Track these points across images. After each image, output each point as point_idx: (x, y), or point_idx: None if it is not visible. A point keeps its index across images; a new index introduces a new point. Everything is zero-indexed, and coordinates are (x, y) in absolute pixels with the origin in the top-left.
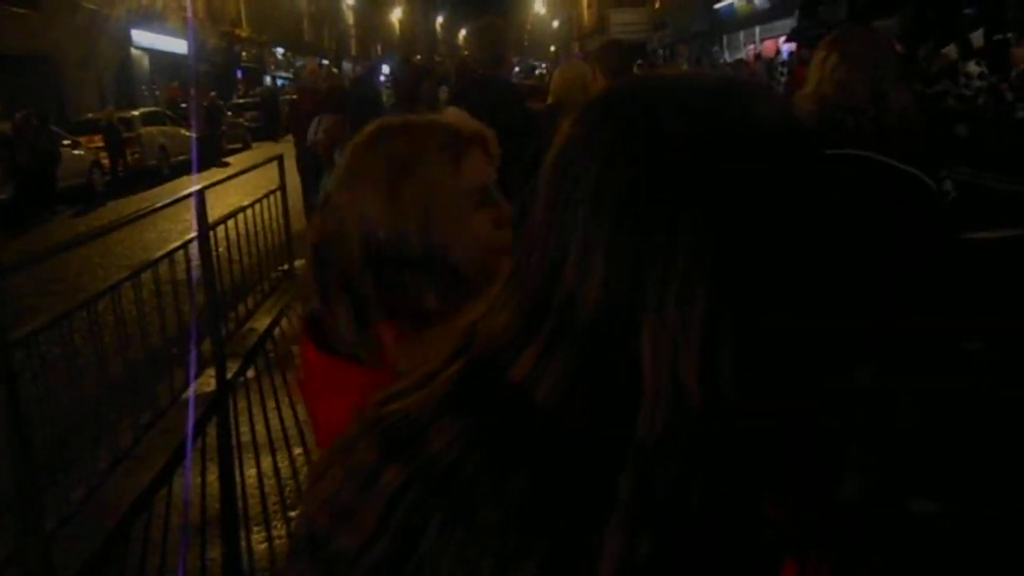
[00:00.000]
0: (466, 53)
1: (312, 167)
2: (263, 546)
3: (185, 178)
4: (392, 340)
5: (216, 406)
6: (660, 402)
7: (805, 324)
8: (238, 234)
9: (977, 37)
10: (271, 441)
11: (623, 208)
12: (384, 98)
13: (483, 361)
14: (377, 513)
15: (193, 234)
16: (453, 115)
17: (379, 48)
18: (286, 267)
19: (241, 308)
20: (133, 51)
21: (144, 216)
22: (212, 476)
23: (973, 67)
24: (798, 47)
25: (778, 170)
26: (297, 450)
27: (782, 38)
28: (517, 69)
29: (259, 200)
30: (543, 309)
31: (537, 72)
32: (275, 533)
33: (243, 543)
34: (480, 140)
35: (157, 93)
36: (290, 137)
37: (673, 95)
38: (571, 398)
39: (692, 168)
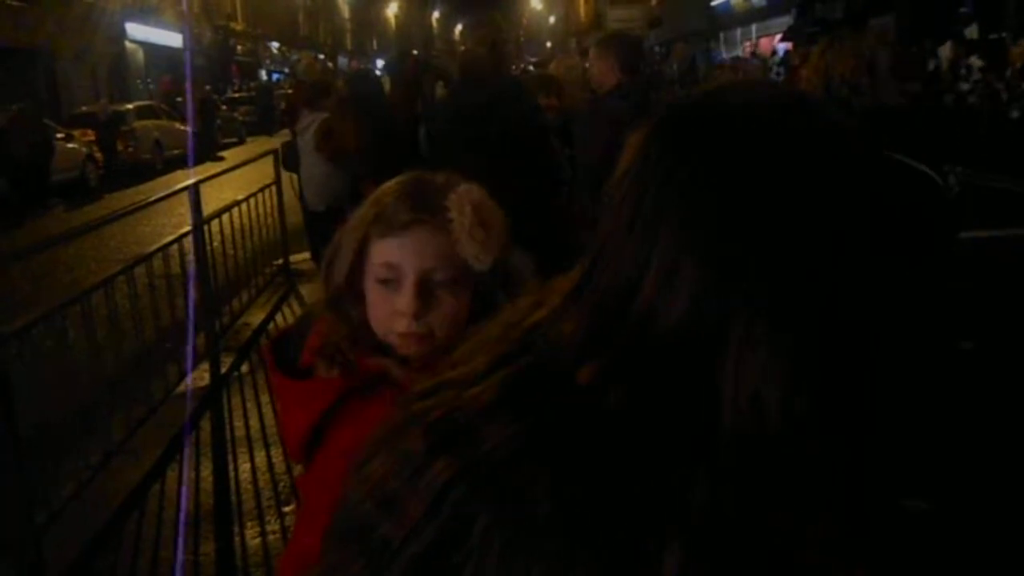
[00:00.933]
0: (463, 48)
1: (291, 161)
2: (256, 541)
3: (179, 172)
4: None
5: (210, 401)
6: (741, 421)
7: (887, 341)
8: (233, 229)
9: (971, 31)
10: (265, 436)
11: (711, 228)
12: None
13: (545, 365)
14: (425, 504)
15: (188, 228)
16: (472, 189)
17: (375, 43)
18: (281, 262)
19: (236, 303)
20: (128, 44)
21: (138, 210)
22: (206, 471)
23: (976, 60)
24: (794, 45)
25: (865, 187)
26: None
27: (778, 36)
28: (523, 65)
29: (254, 195)
30: (615, 320)
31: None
32: (269, 528)
33: (236, 538)
34: (442, 225)
35: (151, 87)
36: (285, 131)
37: (752, 114)
38: (640, 409)
39: (781, 188)
